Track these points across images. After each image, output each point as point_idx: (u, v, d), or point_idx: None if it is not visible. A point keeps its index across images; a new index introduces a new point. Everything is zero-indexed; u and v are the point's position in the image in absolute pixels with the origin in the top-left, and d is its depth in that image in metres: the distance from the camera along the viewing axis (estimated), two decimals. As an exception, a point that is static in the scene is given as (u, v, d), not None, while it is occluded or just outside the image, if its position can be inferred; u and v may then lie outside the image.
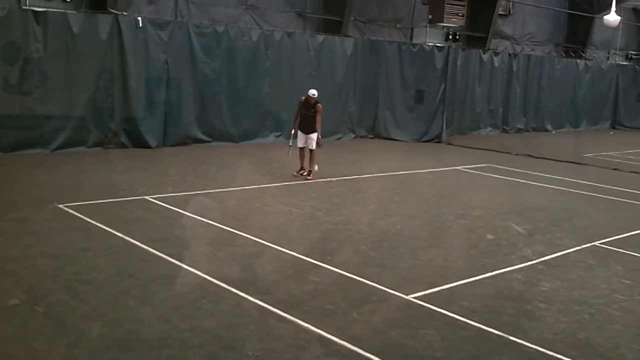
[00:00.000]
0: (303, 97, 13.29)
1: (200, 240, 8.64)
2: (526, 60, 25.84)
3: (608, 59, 30.96)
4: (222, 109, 17.43)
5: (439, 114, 21.61)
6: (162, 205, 10.27)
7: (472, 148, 20.05)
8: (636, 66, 31.03)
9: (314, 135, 13.18)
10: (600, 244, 9.58)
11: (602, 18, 23.27)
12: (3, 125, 13.92)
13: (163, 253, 7.83)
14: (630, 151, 22.02)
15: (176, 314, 6.09)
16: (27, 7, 14.34)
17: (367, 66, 20.60)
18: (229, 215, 9.97)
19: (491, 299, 7.03)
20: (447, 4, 20.48)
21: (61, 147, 14.66)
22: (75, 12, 14.99)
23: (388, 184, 13.61)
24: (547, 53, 27.89)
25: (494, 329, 6.19)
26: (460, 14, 20.99)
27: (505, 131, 25.31)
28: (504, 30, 26.26)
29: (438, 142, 21.35)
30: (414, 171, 15.41)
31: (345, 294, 6.92)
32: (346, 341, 5.71)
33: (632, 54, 32.03)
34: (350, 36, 20.44)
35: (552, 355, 5.72)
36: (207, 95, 17.13)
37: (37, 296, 6.36)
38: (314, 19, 20.49)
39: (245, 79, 17.76)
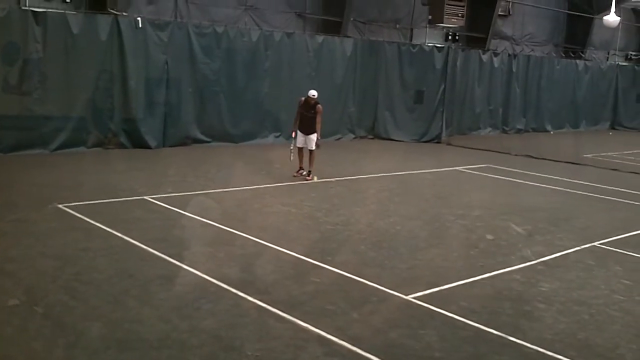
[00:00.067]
0: (302, 98, 13.29)
1: (199, 240, 8.64)
2: (526, 61, 25.86)
3: (607, 60, 30.97)
4: (221, 109, 17.43)
5: (438, 114, 21.62)
6: (162, 206, 10.27)
7: (471, 148, 20.06)
8: (636, 67, 31.05)
9: (314, 136, 13.18)
10: (600, 244, 9.58)
11: (601, 18, 23.27)
12: (2, 126, 13.91)
13: (163, 253, 7.83)
14: (630, 152, 22.02)
15: (176, 314, 6.09)
16: (27, 8, 14.33)
17: (366, 67, 20.60)
18: (229, 216, 9.97)
19: (490, 300, 7.03)
20: (446, 4, 20.48)
21: (61, 147, 14.66)
22: (74, 12, 14.99)
23: (388, 184, 13.62)
24: (547, 53, 27.90)
25: (493, 329, 6.19)
26: (459, 15, 21.00)
27: (504, 131, 25.32)
28: (504, 30, 26.27)
29: (438, 142, 21.35)
30: (414, 171, 15.41)
31: (344, 294, 6.92)
32: (346, 341, 5.71)
33: (631, 54, 32.04)
34: (349, 37, 20.44)
35: (551, 356, 5.72)
36: (207, 96, 17.14)
37: (36, 296, 6.36)
38: (313, 20, 20.49)
39: (245, 79, 17.76)
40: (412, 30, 23.02)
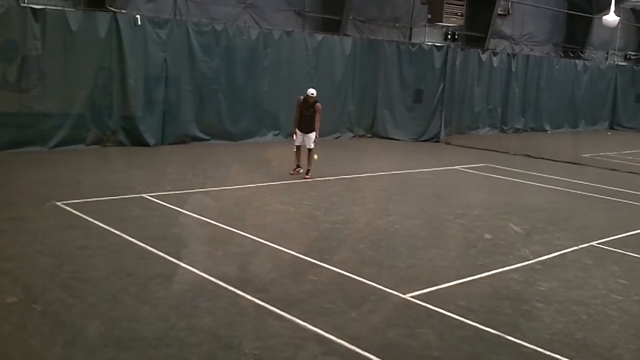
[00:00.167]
0: (301, 97, 13.28)
1: (198, 238, 8.64)
2: (525, 60, 25.87)
3: (607, 60, 30.99)
4: (220, 107, 17.43)
5: (437, 113, 21.62)
6: (160, 204, 10.27)
7: (470, 148, 20.06)
8: (635, 67, 31.07)
9: (312, 135, 13.17)
10: (598, 244, 9.58)
11: (601, 18, 23.28)
12: (1, 123, 13.91)
13: (161, 251, 7.83)
14: (629, 151, 22.05)
15: (174, 313, 6.09)
16: (26, 5, 14.32)
17: (365, 65, 20.60)
18: (227, 214, 9.97)
19: (489, 299, 7.03)
20: (446, 3, 20.46)
21: (59, 145, 14.66)
22: (73, 9, 14.99)
23: (386, 183, 13.62)
24: (546, 53, 27.92)
25: (491, 328, 6.19)
26: (459, 14, 20.98)
27: (503, 131, 25.34)
28: (503, 30, 26.28)
29: (436, 141, 21.36)
30: (413, 171, 15.41)
31: (343, 293, 6.92)
32: (344, 340, 5.71)
33: (630, 54, 32.07)
34: (349, 35, 20.45)
35: (549, 355, 5.72)
36: (206, 94, 17.13)
37: (34, 294, 6.35)
38: (312, 18, 20.49)
39: (244, 77, 17.76)
40: (411, 29, 23.02)
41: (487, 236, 9.66)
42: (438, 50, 21.72)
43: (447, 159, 17.82)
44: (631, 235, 10.29)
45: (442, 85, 21.59)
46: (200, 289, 6.77)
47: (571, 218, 11.32)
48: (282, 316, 6.17)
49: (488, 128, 24.83)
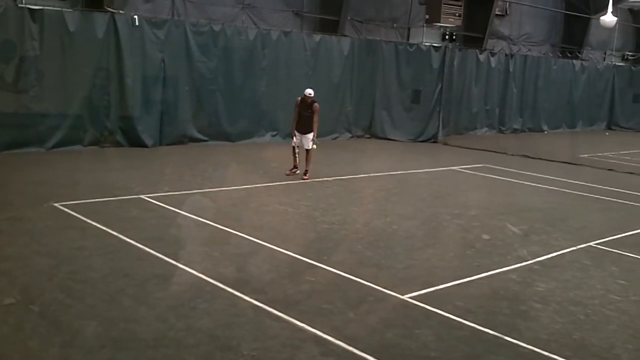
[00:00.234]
0: (299, 98, 13.29)
1: (195, 239, 8.63)
2: (523, 61, 25.89)
3: (604, 60, 31.04)
4: (218, 108, 17.42)
5: (435, 114, 21.63)
6: (158, 205, 10.26)
7: (468, 148, 20.07)
8: (632, 67, 31.10)
9: (310, 135, 13.18)
10: (596, 244, 9.59)
11: (598, 19, 23.31)
12: (-1, 124, 13.91)
13: (159, 252, 7.82)
14: (626, 152, 22.07)
15: (172, 314, 6.08)
16: (23, 5, 14.31)
17: (363, 66, 20.61)
18: (225, 215, 9.96)
19: (487, 299, 7.04)
20: (444, 4, 20.50)
21: (57, 145, 14.63)
22: (71, 10, 14.97)
23: (384, 183, 13.62)
24: (544, 53, 27.95)
25: (489, 329, 6.20)
26: (457, 14, 21.00)
27: (501, 131, 25.35)
28: (501, 30, 26.31)
29: (434, 142, 21.37)
30: (410, 171, 15.42)
31: (341, 294, 6.92)
32: (342, 341, 5.71)
33: (628, 54, 32.11)
34: (347, 36, 20.46)
35: (547, 356, 5.73)
36: (204, 94, 17.12)
37: (32, 295, 6.34)
38: (310, 19, 20.49)
39: (242, 78, 17.75)
40: (409, 29, 23.04)
41: (485, 237, 9.66)
42: (436, 51, 21.73)
43: (445, 159, 17.83)
44: (629, 235, 10.31)
45: (440, 86, 21.60)
46: (198, 289, 6.76)
47: (569, 218, 11.34)
48: (280, 317, 6.16)
49: (486, 128, 24.84)
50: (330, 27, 20.30)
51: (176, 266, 7.42)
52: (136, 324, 5.81)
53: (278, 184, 12.68)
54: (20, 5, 14.34)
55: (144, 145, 15.81)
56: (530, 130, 26.66)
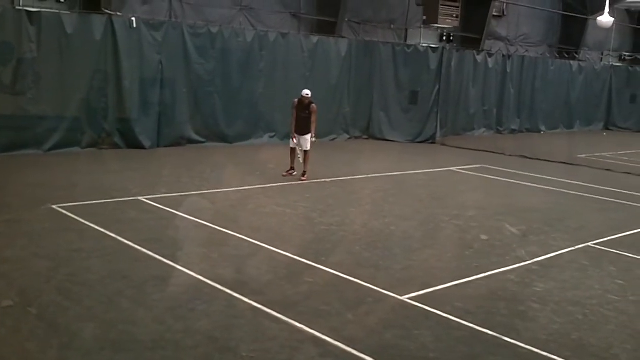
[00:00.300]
0: (296, 100, 13.30)
1: (193, 241, 8.63)
2: (520, 62, 25.92)
3: (602, 60, 31.08)
4: (216, 109, 17.41)
5: (433, 114, 21.64)
6: (156, 206, 10.25)
7: (466, 149, 20.09)
8: (629, 67, 31.15)
9: (308, 136, 13.20)
10: (594, 244, 9.60)
11: (595, 19, 23.33)
12: (-4, 126, 13.89)
13: (157, 254, 7.82)
14: (624, 152, 22.09)
15: (170, 315, 6.08)
16: (21, 8, 14.29)
17: (361, 67, 20.61)
18: (223, 216, 9.96)
19: (485, 300, 7.04)
20: (441, 5, 20.48)
21: (55, 147, 14.61)
22: (69, 12, 14.96)
23: (382, 184, 13.62)
24: (541, 54, 27.96)
25: (488, 329, 6.20)
26: (454, 15, 21.00)
27: (499, 132, 25.38)
28: (498, 31, 26.32)
29: (432, 143, 21.37)
30: (408, 172, 15.42)
31: (339, 295, 6.92)
32: (340, 342, 5.71)
33: (625, 55, 32.15)
34: (344, 37, 20.46)
35: (545, 356, 5.73)
36: (201, 96, 17.12)
37: (30, 297, 6.33)
38: (308, 20, 20.49)
39: (240, 79, 17.75)
40: (406, 30, 23.04)
41: (483, 237, 9.67)
42: (433, 52, 21.75)
43: (443, 160, 17.84)
44: (627, 235, 10.32)
45: (437, 87, 21.61)
46: (196, 291, 6.76)
47: (567, 219, 11.34)
48: (278, 318, 6.16)
49: (484, 129, 24.86)
50: (328, 28, 20.29)
51: (174, 268, 7.42)
52: (134, 326, 5.81)
53: (276, 185, 12.68)
54: (17, 7, 14.32)
55: (142, 147, 15.80)
56: (528, 130, 26.69)
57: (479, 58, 24.02)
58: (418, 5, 21.63)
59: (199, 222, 9.46)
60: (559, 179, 15.27)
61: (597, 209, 12.49)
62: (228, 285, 6.90)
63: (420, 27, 22.85)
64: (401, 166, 16.13)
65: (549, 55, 28.38)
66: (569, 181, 15.10)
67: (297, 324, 6.05)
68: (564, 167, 17.75)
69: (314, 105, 13.16)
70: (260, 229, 9.34)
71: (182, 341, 5.57)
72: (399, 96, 21.56)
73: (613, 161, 19.29)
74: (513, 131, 25.92)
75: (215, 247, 8.37)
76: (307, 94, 13.14)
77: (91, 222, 8.99)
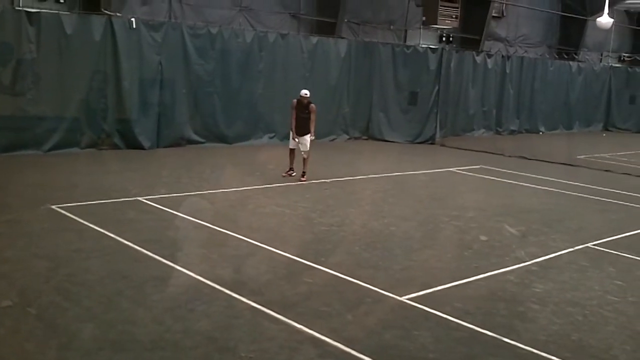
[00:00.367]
0: (295, 100, 13.30)
1: (193, 241, 8.62)
2: (519, 62, 25.94)
3: (601, 61, 31.10)
4: (215, 110, 17.42)
5: (432, 115, 21.64)
6: (155, 207, 10.25)
7: (465, 149, 20.09)
8: (629, 68, 31.17)
9: (308, 137, 13.19)
10: (593, 245, 9.60)
11: (594, 20, 23.34)
12: (-4, 126, 13.89)
13: (156, 254, 7.81)
14: (623, 153, 22.10)
15: (169, 316, 6.08)
16: (20, 8, 14.29)
17: (360, 68, 20.62)
18: (222, 217, 9.96)
19: (484, 301, 7.04)
20: (440, 5, 20.53)
21: (54, 148, 14.61)
22: (68, 13, 14.96)
23: (382, 185, 13.62)
24: (540, 55, 27.98)
25: (487, 330, 6.20)
26: (453, 16, 21.04)
27: (498, 133, 25.39)
28: (498, 32, 26.33)
29: (432, 143, 21.38)
30: (408, 172, 15.42)
31: (338, 296, 6.91)
32: (340, 342, 5.70)
33: (624, 56, 32.17)
34: (344, 38, 20.46)
35: (545, 357, 5.73)
36: (201, 97, 17.12)
37: (29, 297, 6.33)
38: (307, 21, 20.49)
39: (239, 80, 17.75)
40: (406, 31, 23.04)
41: (483, 238, 9.67)
42: (433, 53, 21.75)
43: (442, 160, 17.84)
44: (626, 236, 10.32)
45: (437, 88, 21.61)
46: (195, 291, 6.75)
47: (566, 219, 11.35)
48: (277, 319, 6.16)
49: (483, 130, 24.87)
50: (328, 29, 20.30)
51: (174, 268, 7.41)
52: (134, 326, 5.80)
53: (275, 185, 12.67)
54: (17, 8, 14.32)
55: (141, 148, 15.79)
56: (527, 131, 26.70)
57: (479, 59, 24.03)
58: (417, 6, 21.66)
59: (199, 223, 9.46)
60: (559, 180, 15.28)
61: (597, 209, 12.50)
62: (227, 286, 6.90)
63: (420, 28, 22.87)
64: (401, 167, 16.14)
65: (548, 56, 28.40)
66: (569, 182, 15.10)
67: (296, 324, 6.05)
68: (564, 167, 17.76)
69: (313, 105, 13.16)
70: (259, 230, 9.34)
71: (181, 341, 5.57)
72: (399, 97, 21.57)
73: (612, 162, 19.30)
74: (512, 132, 25.94)
75: (214, 248, 8.37)
76: (306, 94, 13.14)
77: (90, 223, 8.99)
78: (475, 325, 6.29)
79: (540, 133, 27.12)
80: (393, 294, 7.00)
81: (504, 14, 26.28)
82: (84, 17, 14.98)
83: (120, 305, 6.29)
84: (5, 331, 5.61)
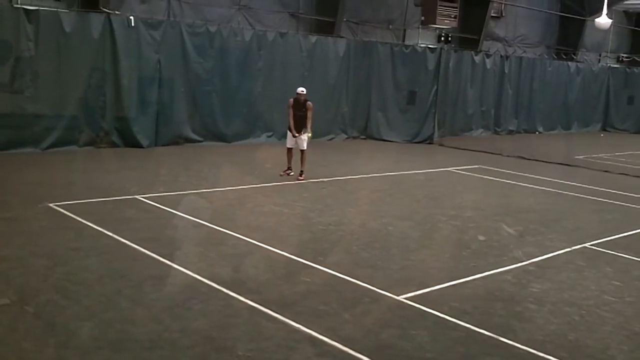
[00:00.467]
0: (291, 99, 13.29)
1: (191, 240, 8.63)
2: (518, 62, 25.96)
3: (599, 62, 31.13)
4: (214, 109, 17.42)
5: (431, 115, 21.66)
6: (154, 205, 10.25)
7: (463, 149, 20.11)
8: (627, 69, 31.21)
9: (305, 136, 13.19)
10: (591, 245, 9.62)
11: (593, 20, 23.36)
12: (-6, 124, 13.88)
13: (154, 253, 7.82)
14: (621, 153, 22.13)
15: (167, 314, 6.08)
16: (19, 6, 14.28)
17: (359, 67, 20.63)
18: (221, 215, 9.96)
19: (482, 300, 7.05)
20: (439, 5, 20.50)
21: (52, 146, 14.61)
22: (67, 10, 14.95)
23: (380, 184, 13.63)
24: (539, 55, 28.01)
25: (484, 330, 6.21)
26: (452, 16, 21.03)
27: (496, 133, 25.41)
28: (496, 32, 26.36)
29: (430, 143, 21.39)
30: (406, 172, 15.43)
31: (336, 295, 6.92)
32: (337, 342, 5.71)
33: (623, 56, 32.22)
34: (342, 37, 20.47)
35: (542, 357, 5.74)
36: (200, 95, 17.12)
37: (27, 296, 6.33)
38: (306, 20, 20.50)
39: (238, 79, 17.75)
40: (404, 31, 23.06)
41: (481, 237, 9.68)
42: (431, 52, 21.77)
43: (441, 160, 17.86)
44: (624, 236, 10.33)
45: (435, 87, 21.63)
46: (193, 290, 6.76)
47: (564, 219, 11.36)
48: (275, 318, 6.16)
49: (481, 130, 24.89)
50: (326, 28, 20.31)
51: (172, 267, 7.42)
52: (132, 325, 5.81)
53: (273, 184, 12.68)
54: (15, 5, 14.31)
55: (140, 146, 15.80)
56: (526, 131, 26.74)
57: (477, 59, 24.04)
58: (416, 5, 21.65)
59: (197, 221, 9.46)
60: (556, 180, 15.30)
61: (594, 210, 12.51)
62: (225, 285, 6.91)
63: (419, 28, 22.87)
64: (399, 166, 16.15)
65: (546, 56, 28.43)
66: (566, 182, 15.12)
67: (294, 323, 6.05)
68: (562, 168, 17.78)
69: (309, 102, 13.15)
70: (257, 228, 9.34)
71: (179, 341, 5.57)
72: (397, 96, 21.58)
73: (610, 162, 19.32)
74: (511, 132, 25.97)
75: (212, 246, 8.37)
76: (302, 91, 13.13)
77: (89, 221, 8.99)
78: (472, 325, 6.30)
79: (537, 133, 27.13)
80: (391, 293, 7.01)
81: (503, 14, 26.31)
82: (82, 15, 14.97)
83: (119, 304, 6.30)
84: (3, 330, 5.61)
